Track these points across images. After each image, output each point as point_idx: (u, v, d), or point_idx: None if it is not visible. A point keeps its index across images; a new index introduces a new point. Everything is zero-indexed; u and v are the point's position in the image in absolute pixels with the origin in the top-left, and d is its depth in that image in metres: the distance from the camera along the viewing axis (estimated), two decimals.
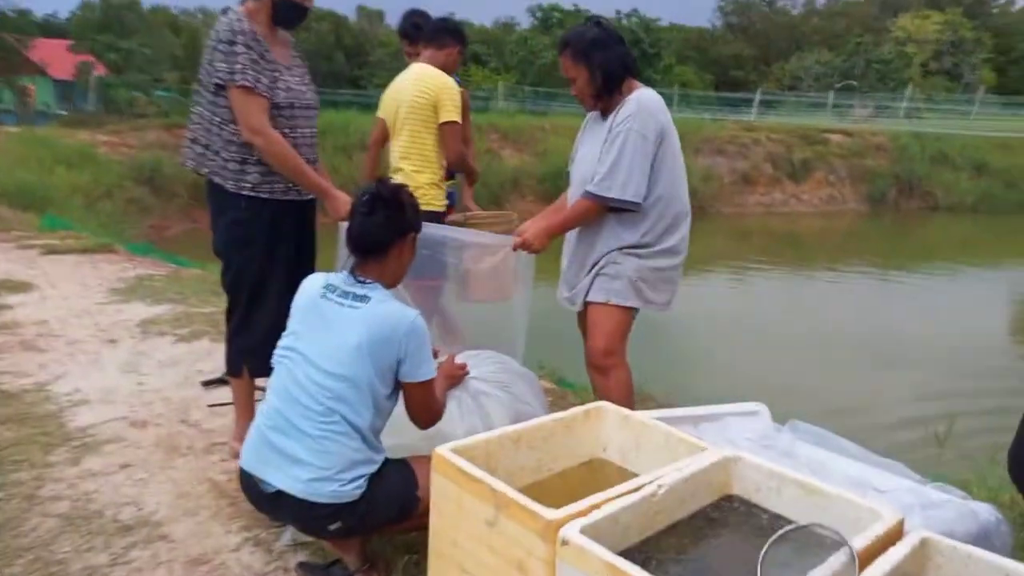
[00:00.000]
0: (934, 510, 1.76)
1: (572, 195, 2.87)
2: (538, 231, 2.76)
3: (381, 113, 3.62)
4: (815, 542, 1.42)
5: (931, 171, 18.83)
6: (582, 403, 3.51)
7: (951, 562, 1.52)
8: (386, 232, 2.02)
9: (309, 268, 2.91)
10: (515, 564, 1.64)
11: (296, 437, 1.92)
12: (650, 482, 1.73)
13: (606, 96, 2.70)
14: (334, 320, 1.97)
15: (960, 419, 5.49)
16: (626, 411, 2.17)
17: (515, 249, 2.78)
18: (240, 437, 2.79)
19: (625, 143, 2.60)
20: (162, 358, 3.94)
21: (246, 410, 2.81)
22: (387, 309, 1.96)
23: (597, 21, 2.71)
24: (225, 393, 3.22)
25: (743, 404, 2.55)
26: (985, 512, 1.80)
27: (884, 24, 42.04)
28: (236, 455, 2.77)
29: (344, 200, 2.72)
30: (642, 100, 2.65)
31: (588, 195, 2.66)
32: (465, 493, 1.75)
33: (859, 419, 5.32)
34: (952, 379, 6.76)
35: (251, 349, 2.73)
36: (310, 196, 2.79)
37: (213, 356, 3.97)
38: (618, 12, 33.26)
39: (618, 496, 1.67)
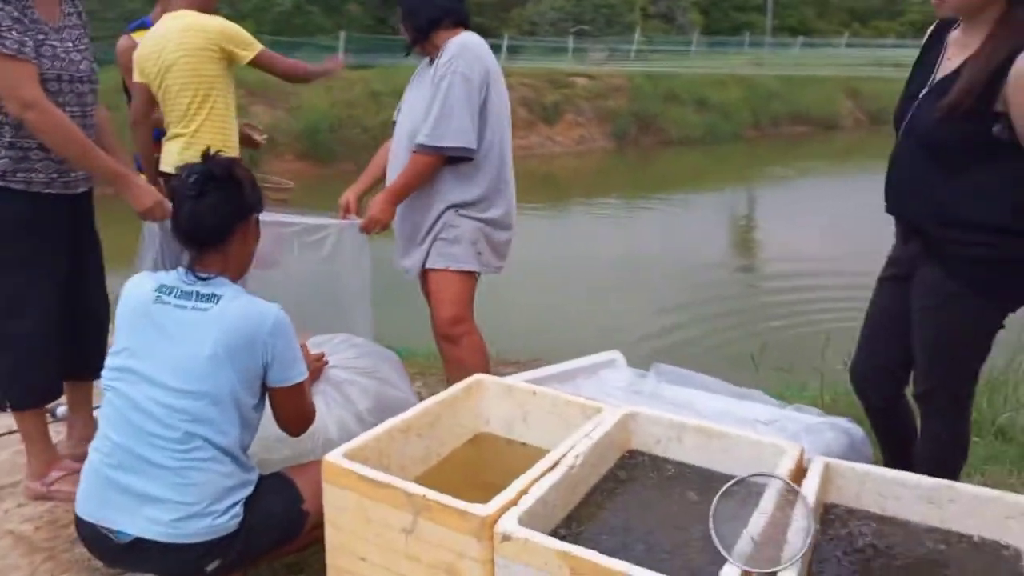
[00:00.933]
0: (814, 434, 1.90)
1: (396, 150, 2.68)
2: (380, 203, 2.54)
3: (141, 78, 3.01)
4: (755, 491, 1.45)
5: (663, 108, 20.53)
6: (424, 370, 3.44)
7: (850, 482, 1.64)
8: (225, 216, 1.72)
9: (93, 274, 2.46)
10: (443, 569, 1.51)
11: (149, 473, 1.61)
12: (565, 454, 1.68)
13: (421, 40, 2.59)
14: (176, 328, 1.65)
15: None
16: (507, 381, 2.10)
17: (365, 231, 2.56)
18: (36, 474, 2.33)
19: (451, 87, 2.46)
20: None
21: (38, 442, 2.34)
22: (243, 306, 1.68)
23: None
24: None
25: (600, 355, 2.58)
26: (851, 428, 1.98)
27: None
28: (37, 497, 2.32)
29: (147, 189, 2.31)
30: (465, 42, 2.52)
31: (422, 148, 2.49)
32: (370, 502, 1.58)
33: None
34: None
35: (9, 375, 2.27)
36: (82, 188, 2.33)
37: None
38: None
39: (540, 476, 1.60)
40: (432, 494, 1.51)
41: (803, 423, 1.95)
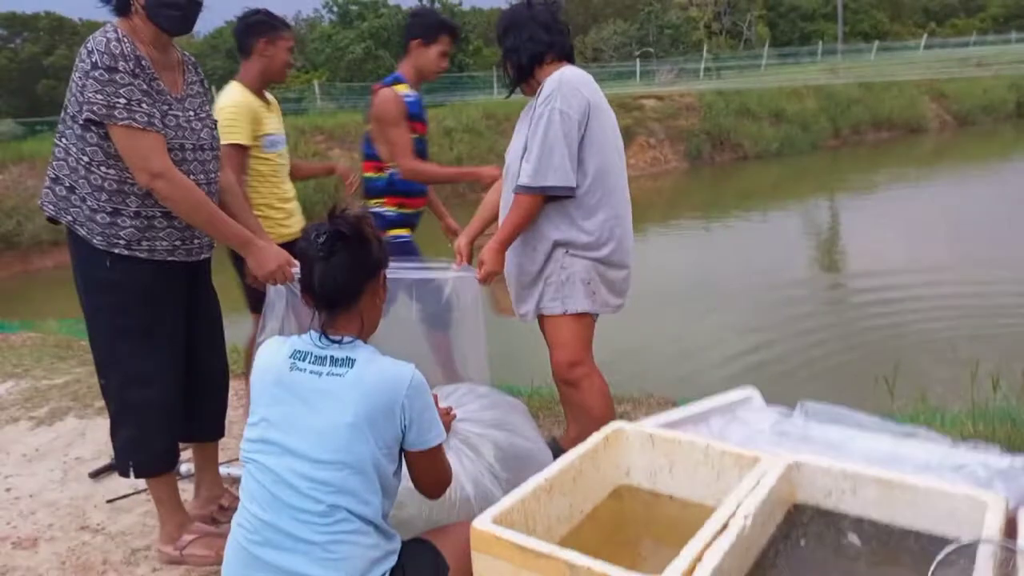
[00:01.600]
0: (1010, 480, 1.69)
1: (504, 190, 2.61)
2: (491, 252, 2.47)
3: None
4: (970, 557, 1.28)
5: (737, 124, 20.13)
6: (541, 408, 3.33)
7: None
8: (355, 275, 1.66)
9: (212, 336, 2.46)
10: None
11: (296, 549, 1.54)
12: (733, 513, 1.54)
13: (525, 77, 2.52)
14: (315, 395, 1.59)
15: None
16: (648, 429, 1.96)
17: (483, 282, 2.50)
18: (169, 538, 2.32)
19: (549, 124, 2.37)
20: (25, 451, 3.26)
21: (169, 505, 2.33)
22: (380, 370, 1.61)
23: (528, 2, 2.47)
24: (123, 482, 2.68)
25: (733, 392, 2.42)
26: None
27: None
28: (171, 561, 2.31)
29: (272, 252, 2.29)
30: (564, 77, 2.44)
31: (522, 189, 2.42)
32: (528, 572, 1.47)
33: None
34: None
35: (134, 442, 2.27)
36: (204, 255, 2.33)
37: (88, 437, 3.34)
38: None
39: (712, 540, 1.46)
40: (598, 565, 1.39)
41: (993, 467, 1.75)
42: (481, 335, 2.57)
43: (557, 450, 2.26)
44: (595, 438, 1.93)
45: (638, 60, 28.23)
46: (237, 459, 2.48)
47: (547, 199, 2.43)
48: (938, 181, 16.35)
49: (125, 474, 2.32)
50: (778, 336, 6.62)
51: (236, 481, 2.65)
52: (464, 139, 16.66)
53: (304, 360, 1.63)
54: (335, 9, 35.53)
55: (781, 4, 45.54)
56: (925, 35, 39.27)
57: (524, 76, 2.54)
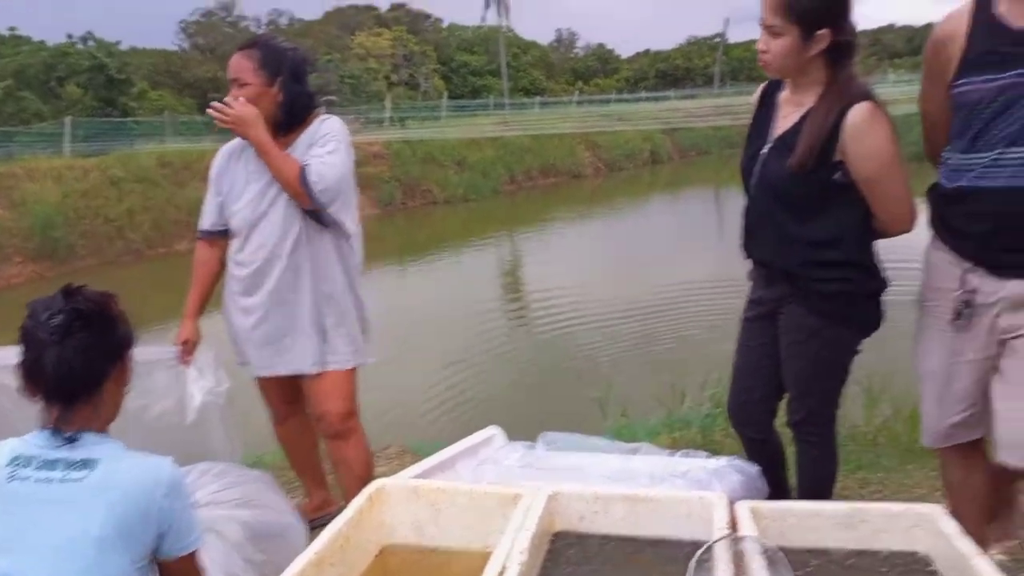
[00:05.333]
0: (722, 479, 1.96)
1: None
2: None
3: None
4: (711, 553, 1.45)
5: (425, 171, 21.06)
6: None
7: (775, 521, 1.71)
8: (98, 361, 1.42)
9: None
10: None
11: None
12: (509, 553, 1.58)
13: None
14: (46, 507, 1.33)
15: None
16: (410, 483, 1.95)
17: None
18: None
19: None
20: None
21: None
22: (130, 468, 1.39)
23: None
24: None
25: (477, 434, 2.50)
26: (745, 466, 2.07)
27: (345, 42, 45.26)
28: None
29: None
30: None
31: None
32: None
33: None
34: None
35: None
36: None
37: None
38: (70, 36, 29.34)
39: None
40: None
41: (709, 469, 2.02)
42: (222, 406, 2.35)
43: (306, 521, 2.13)
44: (359, 499, 1.86)
45: (323, 109, 28.20)
46: None
47: None
48: (597, 217, 18.90)
49: None
50: (493, 371, 6.97)
51: None
52: (136, 189, 15.20)
53: (28, 467, 1.35)
54: None
55: (452, 60, 48.78)
56: (576, 92, 44.77)
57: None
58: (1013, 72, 1.63)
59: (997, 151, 1.67)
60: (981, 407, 1.86)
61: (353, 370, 2.43)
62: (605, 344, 7.72)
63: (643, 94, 43.78)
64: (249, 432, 2.88)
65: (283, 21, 50.80)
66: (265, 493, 2.04)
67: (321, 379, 2.37)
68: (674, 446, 2.90)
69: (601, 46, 65.28)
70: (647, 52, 62.97)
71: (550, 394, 6.11)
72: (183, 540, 1.42)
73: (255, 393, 2.57)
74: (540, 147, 24.53)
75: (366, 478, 2.30)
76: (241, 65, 2.26)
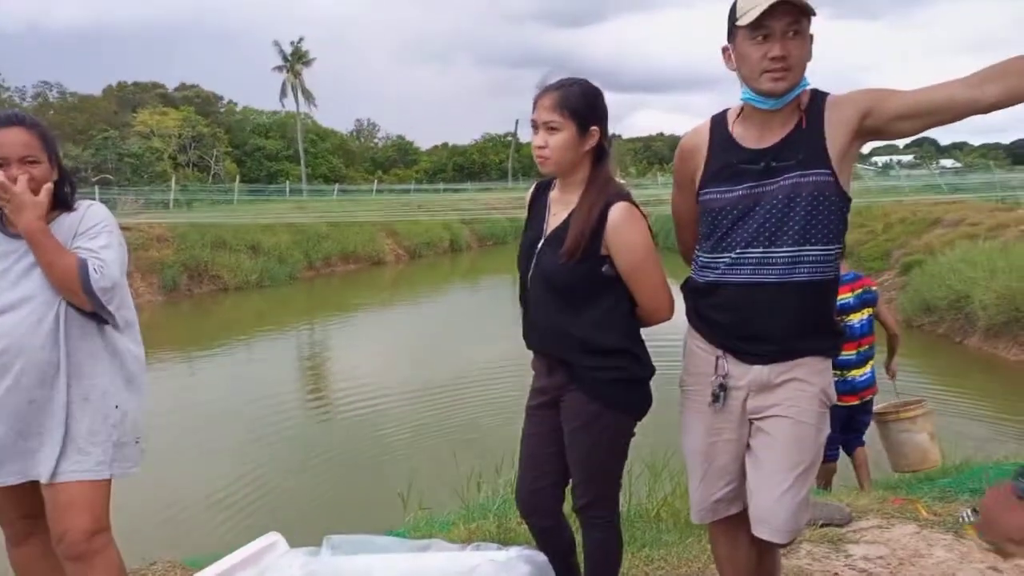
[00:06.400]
0: (512, 571, 1.95)
1: None
2: None
3: None
4: None
5: (214, 256, 19.97)
6: None
7: None
8: None
9: None
10: None
11: None
12: None
13: None
14: None
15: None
16: None
17: None
18: None
19: None
20: None
21: None
22: None
23: None
24: None
25: (257, 541, 2.33)
26: (533, 555, 2.08)
27: (126, 119, 42.69)
28: None
29: None
30: None
31: None
32: None
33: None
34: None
35: None
36: None
37: None
38: None
39: None
40: None
41: (498, 563, 2.00)
42: None
43: None
44: None
45: (96, 187, 26.15)
46: None
47: None
48: (396, 306, 18.87)
49: None
50: (286, 472, 6.57)
51: None
52: None
53: None
54: None
55: (246, 143, 47.55)
56: (376, 181, 45.23)
57: None
58: (746, 184, 1.87)
59: (737, 251, 1.88)
60: (739, 483, 2.02)
61: (105, 481, 2.15)
62: (405, 433, 7.62)
63: (442, 185, 45.24)
64: None
65: (53, 93, 47.10)
66: None
67: (60, 490, 2.07)
68: (469, 538, 2.87)
69: (401, 137, 67.02)
70: (445, 145, 65.58)
71: (348, 492, 5.87)
72: None
73: None
74: (339, 234, 24.30)
75: None
76: (29, 141, 2.05)
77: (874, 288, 4.33)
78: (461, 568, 2.03)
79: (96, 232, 2.11)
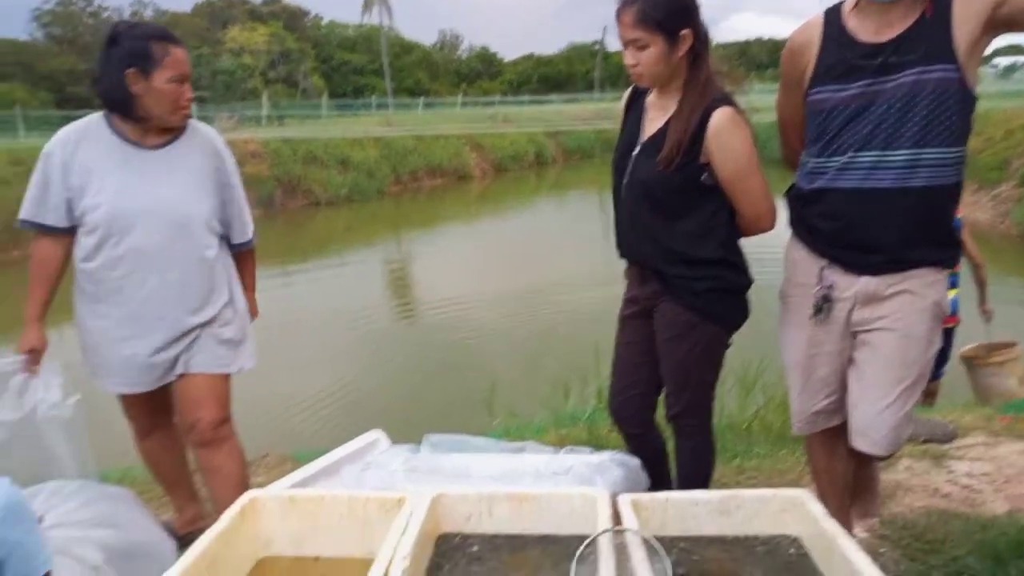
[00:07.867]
0: (605, 473, 1.99)
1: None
2: None
3: None
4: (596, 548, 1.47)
5: (306, 171, 20.45)
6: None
7: (655, 512, 1.75)
8: None
9: None
10: None
11: None
12: (391, 559, 1.54)
13: None
14: None
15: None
16: (287, 492, 1.86)
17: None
18: None
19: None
20: None
21: None
22: None
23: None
24: None
25: (360, 438, 2.45)
26: (627, 459, 2.11)
27: (217, 36, 43.32)
28: None
29: None
30: None
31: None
32: None
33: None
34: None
35: None
36: None
37: None
38: None
39: None
40: None
41: (591, 464, 2.04)
42: (76, 420, 2.17)
43: (177, 536, 2.01)
44: (229, 513, 1.76)
45: (194, 105, 26.94)
46: None
47: None
48: (487, 219, 18.93)
49: None
50: (381, 375, 6.88)
51: None
52: None
53: None
54: None
55: (332, 58, 47.69)
56: (460, 94, 44.78)
57: None
58: (861, 82, 1.75)
59: (848, 155, 1.78)
60: (840, 395, 1.98)
61: (227, 375, 2.30)
62: (494, 343, 7.77)
63: (527, 97, 44.40)
64: (112, 445, 2.69)
65: (148, 12, 48.19)
66: (126, 510, 1.90)
67: (192, 383, 2.23)
68: (561, 443, 2.94)
69: (485, 49, 65.78)
70: (530, 56, 63.96)
71: (439, 395, 6.08)
72: (27, 566, 1.30)
73: (111, 403, 2.39)
74: (425, 148, 24.35)
75: (241, 488, 2.18)
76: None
77: (958, 215, 4.03)
78: (556, 468, 2.08)
79: (233, 172, 2.40)
